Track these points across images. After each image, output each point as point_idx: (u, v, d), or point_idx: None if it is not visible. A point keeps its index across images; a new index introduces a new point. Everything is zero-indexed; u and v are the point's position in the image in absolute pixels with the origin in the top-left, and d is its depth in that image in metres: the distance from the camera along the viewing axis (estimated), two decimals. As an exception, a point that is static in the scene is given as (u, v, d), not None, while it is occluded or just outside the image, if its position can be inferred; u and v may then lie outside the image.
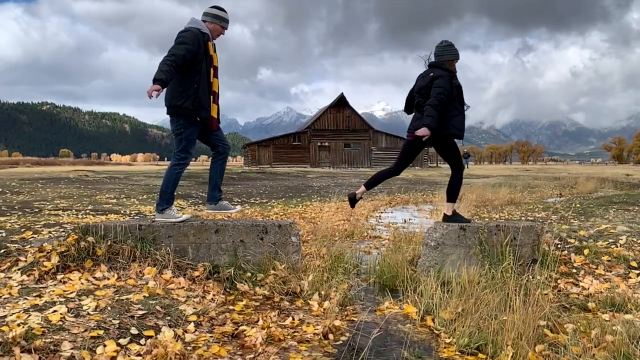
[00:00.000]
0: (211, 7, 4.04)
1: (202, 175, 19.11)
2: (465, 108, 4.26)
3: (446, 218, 4.33)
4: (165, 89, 3.78)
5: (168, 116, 3.97)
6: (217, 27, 4.01)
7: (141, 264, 3.63)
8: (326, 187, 15.59)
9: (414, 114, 4.35)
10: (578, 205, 8.39)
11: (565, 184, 17.06)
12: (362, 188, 4.51)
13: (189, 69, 3.79)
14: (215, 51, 3.99)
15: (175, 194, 4.13)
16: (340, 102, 51.11)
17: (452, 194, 4.36)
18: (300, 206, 9.45)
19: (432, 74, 4.13)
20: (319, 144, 50.37)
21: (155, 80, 3.56)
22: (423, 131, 3.96)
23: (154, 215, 4.14)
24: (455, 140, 4.27)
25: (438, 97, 3.99)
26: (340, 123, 50.86)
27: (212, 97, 3.96)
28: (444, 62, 4.20)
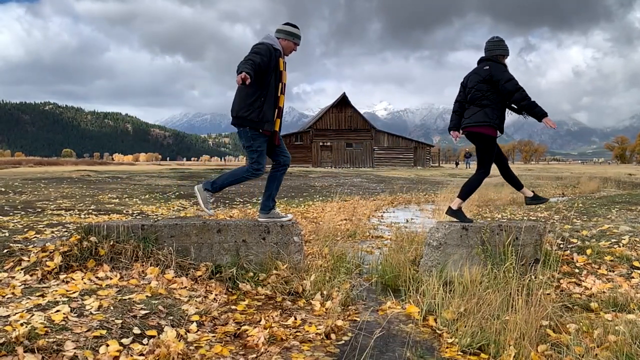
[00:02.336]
0: (284, 25, 4.09)
1: (204, 175, 19.12)
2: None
3: (450, 211, 4.33)
4: (234, 100, 3.95)
5: (230, 125, 4.05)
6: (290, 44, 4.07)
7: (144, 263, 3.64)
8: (328, 186, 15.59)
9: (467, 109, 4.36)
10: (580, 205, 8.37)
11: (567, 183, 17.02)
12: (458, 201, 4.38)
13: (258, 82, 3.83)
14: (285, 69, 4.04)
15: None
16: (342, 102, 51.09)
17: (465, 192, 4.36)
18: (303, 206, 9.45)
19: (486, 67, 4.20)
20: (320, 143, 50.36)
21: (240, 70, 3.57)
22: (552, 122, 4.03)
23: (258, 216, 4.23)
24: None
25: (518, 87, 4.06)
26: (342, 123, 50.83)
27: (276, 111, 4.00)
28: (496, 56, 4.26)
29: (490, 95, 4.17)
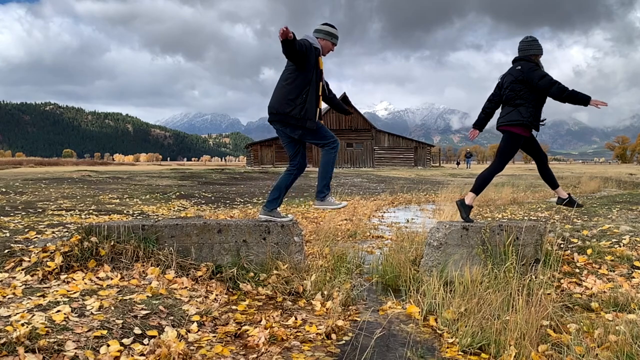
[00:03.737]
0: (323, 25, 4.11)
1: (205, 176, 19.12)
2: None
3: (461, 202, 4.37)
4: (273, 97, 3.97)
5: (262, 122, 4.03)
6: (329, 44, 4.09)
7: (144, 264, 3.65)
8: (329, 186, 15.58)
9: (502, 108, 4.42)
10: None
11: (568, 183, 17.00)
12: (471, 195, 4.41)
13: (300, 78, 3.85)
14: (322, 67, 4.04)
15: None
16: (343, 102, 50.99)
17: (478, 185, 4.40)
18: (303, 206, 9.45)
19: (519, 67, 4.25)
20: (321, 143, 50.25)
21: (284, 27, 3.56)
22: (600, 101, 4.01)
23: (315, 201, 4.22)
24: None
25: (552, 81, 4.09)
26: (342, 123, 50.82)
27: (318, 110, 4.01)
28: (530, 56, 4.30)
29: (523, 94, 4.22)
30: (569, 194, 4.63)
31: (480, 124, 4.59)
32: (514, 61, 4.39)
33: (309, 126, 3.93)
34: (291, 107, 3.88)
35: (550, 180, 4.56)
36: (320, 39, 4.05)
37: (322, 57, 4.02)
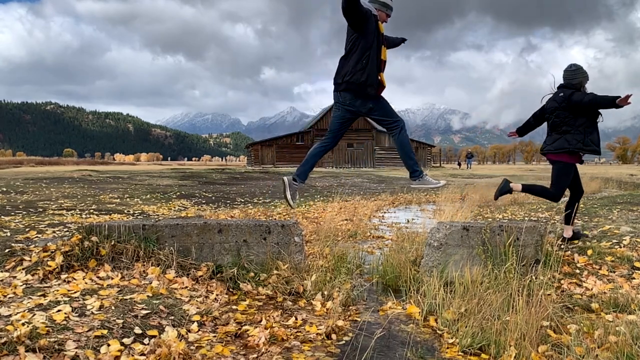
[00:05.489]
0: None
1: (205, 176, 19.12)
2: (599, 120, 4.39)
3: (506, 183, 4.54)
4: (337, 69, 3.98)
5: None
6: (383, 15, 4.07)
7: (145, 263, 3.65)
8: (329, 187, 15.59)
9: (549, 135, 4.52)
10: (581, 205, 8.36)
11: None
12: (519, 186, 4.57)
13: (361, 44, 3.83)
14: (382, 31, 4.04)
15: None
16: (343, 102, 51.05)
17: (530, 187, 4.57)
18: (304, 206, 9.45)
19: (562, 94, 4.34)
20: (322, 143, 50.26)
21: None
22: (625, 99, 3.98)
23: (411, 182, 4.21)
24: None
25: (589, 96, 4.15)
26: (343, 123, 50.78)
27: (380, 67, 3.97)
28: (574, 84, 4.38)
29: (569, 121, 4.30)
30: (573, 231, 4.71)
31: (522, 131, 4.82)
32: (558, 87, 4.47)
33: (369, 92, 3.91)
34: (352, 74, 3.86)
35: (569, 215, 4.63)
36: (377, 8, 4.01)
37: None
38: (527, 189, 4.57)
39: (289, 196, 4.10)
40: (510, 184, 4.55)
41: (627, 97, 3.91)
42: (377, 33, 3.91)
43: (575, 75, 4.37)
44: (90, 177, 16.41)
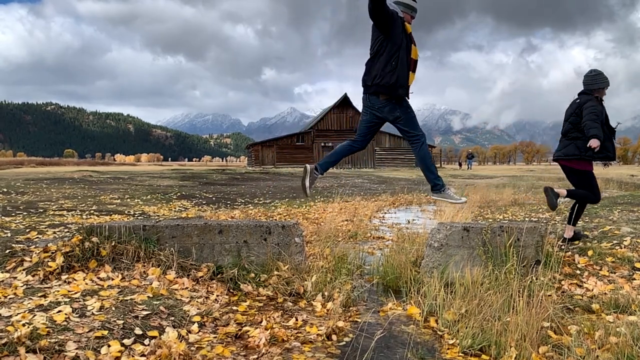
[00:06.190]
0: None
1: (206, 176, 19.13)
2: (615, 127, 4.44)
3: (551, 191, 4.51)
4: (365, 71, 3.97)
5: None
6: (408, 17, 4.06)
7: (145, 264, 3.65)
8: (329, 187, 15.59)
9: (560, 140, 4.56)
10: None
11: (569, 184, 16.98)
12: (564, 191, 4.58)
13: (389, 46, 3.82)
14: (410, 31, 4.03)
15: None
16: (344, 103, 51.09)
17: (573, 192, 4.56)
18: (304, 207, 9.45)
19: (578, 101, 4.37)
20: (322, 144, 50.34)
21: None
22: (594, 142, 4.12)
23: (431, 194, 4.20)
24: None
25: (592, 112, 4.19)
26: (343, 123, 50.82)
27: (410, 66, 3.96)
28: (594, 90, 4.39)
29: (581, 127, 4.32)
30: (575, 233, 4.72)
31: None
32: (579, 94, 4.49)
33: (400, 93, 3.90)
34: (381, 77, 3.85)
35: (576, 217, 4.65)
36: (402, 10, 4.00)
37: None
38: (571, 194, 4.57)
39: (307, 183, 4.12)
40: (555, 190, 4.53)
41: (594, 146, 4.14)
42: (405, 33, 3.90)
43: (595, 81, 4.38)
44: (91, 178, 16.42)
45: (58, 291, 3.05)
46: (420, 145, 4.08)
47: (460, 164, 63.64)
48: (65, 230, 5.01)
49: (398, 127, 4.09)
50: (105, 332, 2.50)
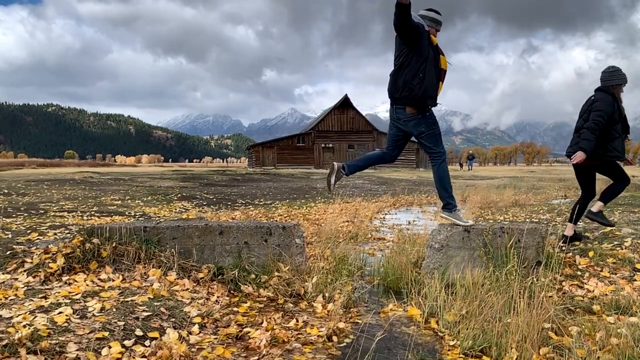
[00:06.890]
0: (428, 10, 4.05)
1: (206, 177, 19.14)
2: (626, 132, 4.45)
3: (590, 214, 4.52)
4: (390, 82, 3.97)
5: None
6: (433, 31, 4.05)
7: (146, 265, 3.65)
8: (330, 188, 15.58)
9: (573, 137, 4.55)
10: (583, 206, 8.33)
11: (570, 185, 16.97)
12: (600, 203, 4.58)
13: (415, 58, 3.82)
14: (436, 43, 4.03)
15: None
16: (344, 104, 51.15)
17: (607, 197, 4.53)
18: (305, 207, 9.45)
19: (592, 97, 4.36)
20: (322, 145, 50.40)
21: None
22: (579, 156, 4.15)
23: (441, 212, 4.17)
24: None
25: (596, 120, 4.17)
26: (344, 124, 50.88)
27: (439, 76, 3.96)
28: (610, 86, 4.36)
29: None
30: (575, 233, 4.73)
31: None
32: (595, 90, 4.47)
33: (428, 104, 3.89)
34: (409, 90, 3.84)
35: (577, 215, 4.63)
36: (426, 24, 3.99)
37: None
38: (607, 198, 4.56)
39: (332, 180, 4.18)
40: (594, 210, 4.54)
41: (576, 161, 4.24)
42: (432, 45, 3.90)
43: (612, 77, 4.36)
44: (92, 179, 16.43)
45: (59, 292, 3.06)
46: (440, 163, 4.08)
47: (461, 165, 63.58)
48: (66, 231, 5.01)
49: (421, 142, 4.08)
50: (106, 334, 2.50)
